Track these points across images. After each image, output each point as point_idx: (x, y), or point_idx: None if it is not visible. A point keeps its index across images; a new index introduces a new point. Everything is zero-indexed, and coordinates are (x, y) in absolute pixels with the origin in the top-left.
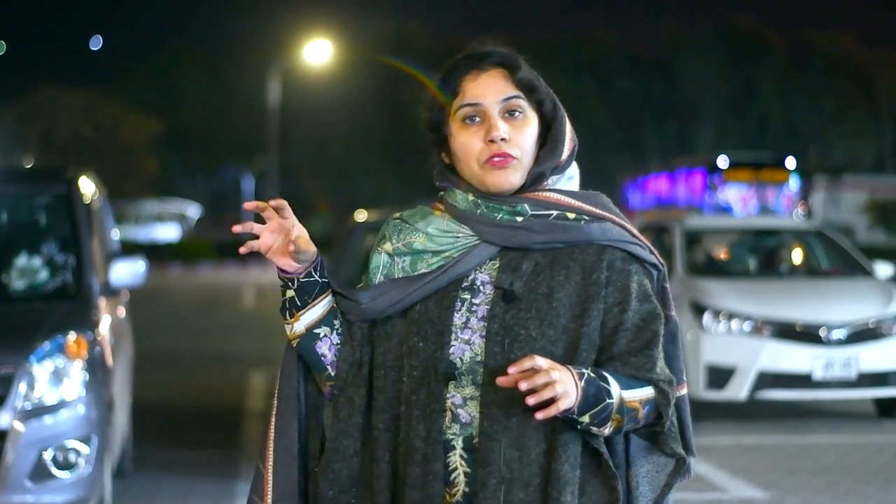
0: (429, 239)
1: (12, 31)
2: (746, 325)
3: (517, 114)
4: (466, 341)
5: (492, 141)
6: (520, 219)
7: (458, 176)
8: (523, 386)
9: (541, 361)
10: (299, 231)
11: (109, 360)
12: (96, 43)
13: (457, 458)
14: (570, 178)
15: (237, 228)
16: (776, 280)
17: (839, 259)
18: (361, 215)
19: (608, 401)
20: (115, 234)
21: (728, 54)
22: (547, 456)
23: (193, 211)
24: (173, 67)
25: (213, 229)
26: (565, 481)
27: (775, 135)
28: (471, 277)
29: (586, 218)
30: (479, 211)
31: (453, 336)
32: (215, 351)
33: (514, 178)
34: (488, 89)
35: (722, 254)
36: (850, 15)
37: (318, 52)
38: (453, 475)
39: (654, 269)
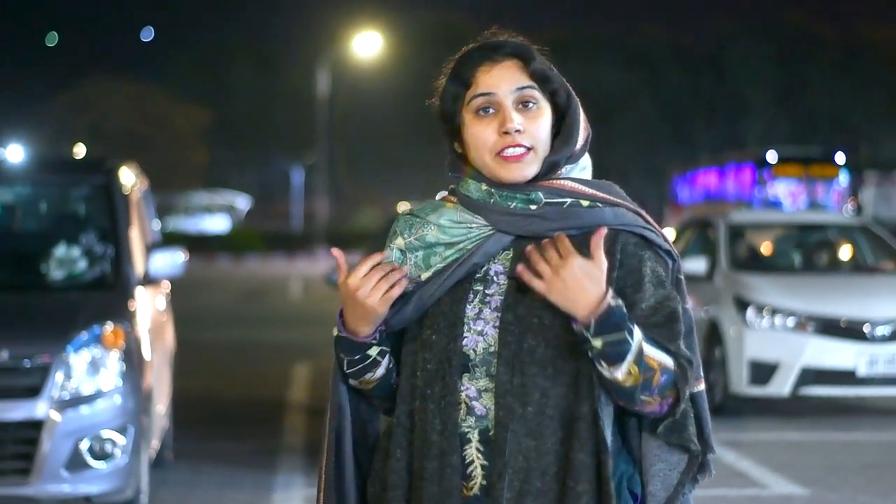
0: (441, 231)
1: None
2: (790, 321)
3: (531, 104)
4: (479, 332)
5: (506, 132)
6: (534, 207)
7: (470, 166)
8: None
9: (575, 255)
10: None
11: (147, 351)
12: (148, 34)
13: (473, 451)
14: (584, 169)
15: (338, 254)
16: (820, 276)
17: (885, 255)
18: (403, 206)
19: (627, 336)
20: (157, 225)
21: (778, 48)
22: (565, 444)
23: (242, 202)
24: (223, 59)
25: (261, 221)
26: (581, 469)
27: (825, 129)
28: (484, 268)
29: (600, 205)
30: (492, 200)
31: (466, 328)
32: (260, 342)
33: (528, 170)
34: (502, 80)
35: (766, 249)
36: None
37: (367, 44)
38: (470, 468)
39: (669, 257)
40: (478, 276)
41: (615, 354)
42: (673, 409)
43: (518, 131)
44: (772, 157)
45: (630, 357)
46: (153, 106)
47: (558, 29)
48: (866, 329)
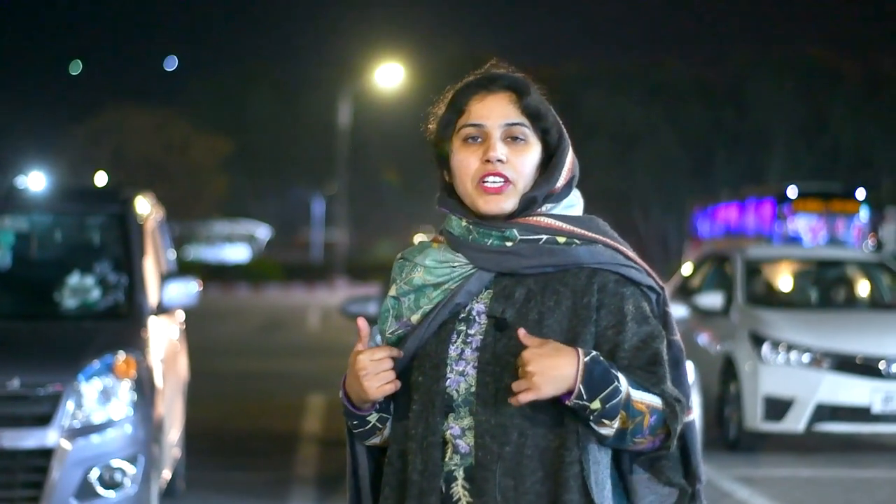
0: (427, 272)
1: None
2: (805, 357)
3: (519, 140)
4: (461, 373)
5: (488, 161)
6: (509, 243)
7: (456, 198)
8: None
9: (531, 342)
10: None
11: (159, 380)
12: (171, 63)
13: (459, 489)
14: (570, 207)
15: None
16: (837, 312)
17: None
18: (419, 237)
19: (616, 384)
20: (172, 255)
21: (800, 83)
22: (545, 483)
23: (263, 232)
24: (245, 88)
25: (281, 251)
26: None
27: (847, 165)
28: (468, 308)
29: (577, 242)
30: (471, 237)
31: (448, 368)
32: (276, 372)
33: (505, 204)
34: (493, 112)
35: (783, 284)
36: None
37: (389, 75)
38: None
39: (652, 291)
40: (462, 315)
41: (612, 408)
42: (665, 443)
43: (500, 161)
44: (792, 192)
45: (620, 406)
46: (175, 135)
47: (580, 62)
48: (882, 366)
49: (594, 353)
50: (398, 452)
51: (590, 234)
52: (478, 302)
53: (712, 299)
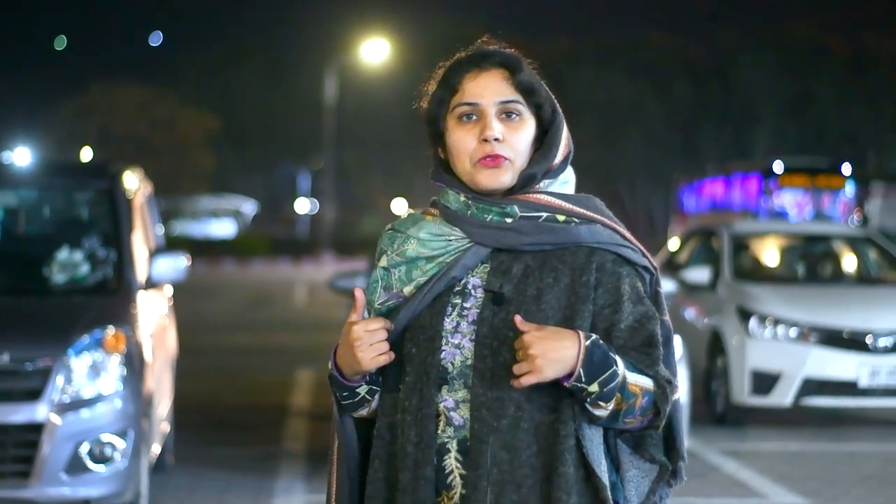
0: (421, 244)
1: (73, 26)
2: (792, 332)
3: (513, 116)
4: (457, 345)
5: (485, 140)
6: (509, 220)
7: (451, 174)
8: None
9: (529, 328)
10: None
11: (148, 355)
12: (156, 39)
13: (452, 461)
14: (566, 183)
15: (359, 295)
16: (823, 286)
17: (889, 266)
18: (402, 209)
19: (615, 368)
20: (160, 230)
21: (786, 59)
22: (539, 456)
23: (249, 207)
24: (231, 64)
25: (268, 226)
26: (571, 483)
27: (833, 140)
28: (462, 281)
29: (576, 220)
30: (469, 212)
31: (444, 341)
32: (264, 347)
33: (504, 178)
34: (486, 89)
35: (769, 259)
36: None
37: (375, 50)
38: (450, 478)
39: (646, 272)
40: (457, 289)
41: (609, 391)
42: (653, 423)
43: (497, 140)
44: (778, 167)
45: (616, 388)
46: (161, 110)
47: (568, 38)
48: (869, 340)
49: (594, 336)
50: (387, 425)
51: (589, 213)
52: (473, 276)
53: (699, 274)
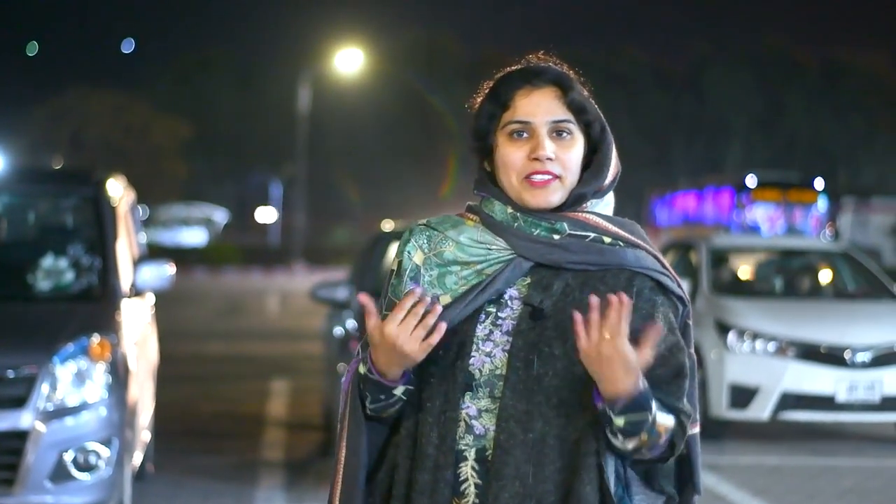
0: (459, 248)
1: (45, 32)
2: (771, 346)
3: (565, 134)
4: (487, 353)
5: (536, 159)
6: (557, 237)
7: (497, 187)
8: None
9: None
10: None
11: (132, 363)
12: (128, 46)
13: (468, 469)
14: (607, 205)
15: (365, 300)
16: (801, 301)
17: (865, 281)
18: (388, 225)
19: (647, 413)
20: (143, 238)
21: (758, 73)
22: (562, 473)
23: (220, 216)
24: (204, 72)
25: (239, 234)
26: (587, 503)
27: (804, 155)
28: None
29: (621, 244)
30: (516, 224)
31: (474, 347)
32: (238, 356)
33: (553, 198)
34: (539, 108)
35: (748, 273)
36: (882, 35)
37: (348, 60)
38: (463, 486)
39: (681, 302)
40: (492, 297)
41: (632, 429)
42: (664, 455)
43: (550, 159)
44: (751, 181)
45: (645, 430)
46: (133, 117)
47: (539, 49)
48: (846, 355)
49: (647, 384)
50: (414, 423)
51: (633, 238)
52: (512, 287)
53: None
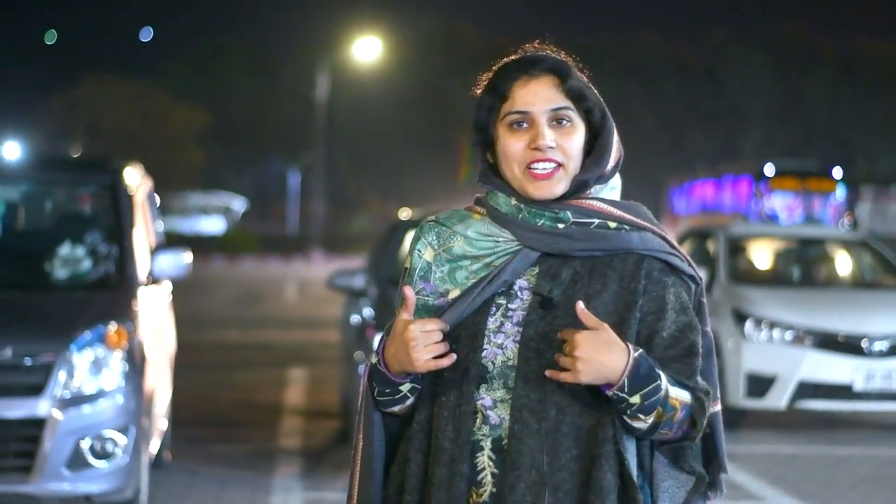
0: (468, 243)
1: (63, 21)
2: (788, 335)
3: (564, 122)
4: (499, 345)
5: (537, 148)
6: (561, 226)
7: (500, 178)
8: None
9: (589, 321)
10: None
11: (149, 351)
12: (147, 34)
13: (485, 459)
14: (613, 189)
15: (410, 294)
16: (819, 290)
17: (884, 270)
18: (405, 213)
19: (659, 382)
20: (160, 226)
21: (776, 61)
22: (579, 461)
23: (238, 204)
24: (222, 60)
25: (257, 223)
26: (608, 490)
27: (822, 143)
28: (509, 283)
29: (627, 228)
30: (520, 215)
31: (486, 340)
32: (256, 344)
33: (556, 188)
34: (537, 97)
35: (765, 262)
36: None
37: (367, 48)
38: (480, 475)
39: (693, 281)
40: (502, 289)
41: (651, 404)
42: (689, 434)
43: (550, 147)
44: (769, 170)
45: (659, 403)
46: (151, 106)
47: (557, 38)
48: (864, 344)
49: (641, 350)
50: (428, 418)
51: (639, 220)
52: (520, 278)
53: None
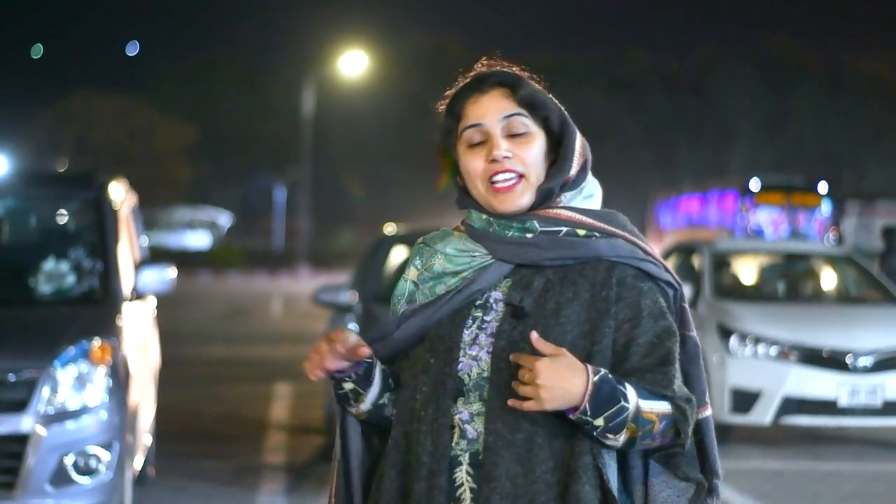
0: (447, 259)
1: (50, 35)
2: (773, 350)
3: (521, 131)
4: (474, 357)
5: (494, 160)
6: (529, 235)
7: (472, 198)
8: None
9: (546, 349)
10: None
11: (133, 367)
12: (133, 48)
13: (463, 474)
14: (590, 197)
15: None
16: (804, 305)
17: (868, 286)
18: (390, 228)
19: (623, 403)
20: (144, 241)
21: (763, 76)
22: (555, 473)
23: (224, 219)
24: (209, 75)
25: (243, 238)
26: (586, 503)
27: (809, 158)
28: (485, 295)
29: (597, 235)
30: (491, 229)
31: (461, 352)
32: (241, 360)
33: (520, 200)
34: (489, 109)
35: (750, 277)
36: (888, 39)
37: (353, 63)
38: (459, 490)
39: (670, 287)
40: (479, 302)
41: (616, 425)
42: (675, 442)
43: (507, 157)
44: (755, 185)
45: (629, 421)
46: (138, 121)
47: (545, 53)
48: (849, 360)
49: (603, 371)
50: (403, 434)
51: (609, 227)
52: (496, 290)
53: None
